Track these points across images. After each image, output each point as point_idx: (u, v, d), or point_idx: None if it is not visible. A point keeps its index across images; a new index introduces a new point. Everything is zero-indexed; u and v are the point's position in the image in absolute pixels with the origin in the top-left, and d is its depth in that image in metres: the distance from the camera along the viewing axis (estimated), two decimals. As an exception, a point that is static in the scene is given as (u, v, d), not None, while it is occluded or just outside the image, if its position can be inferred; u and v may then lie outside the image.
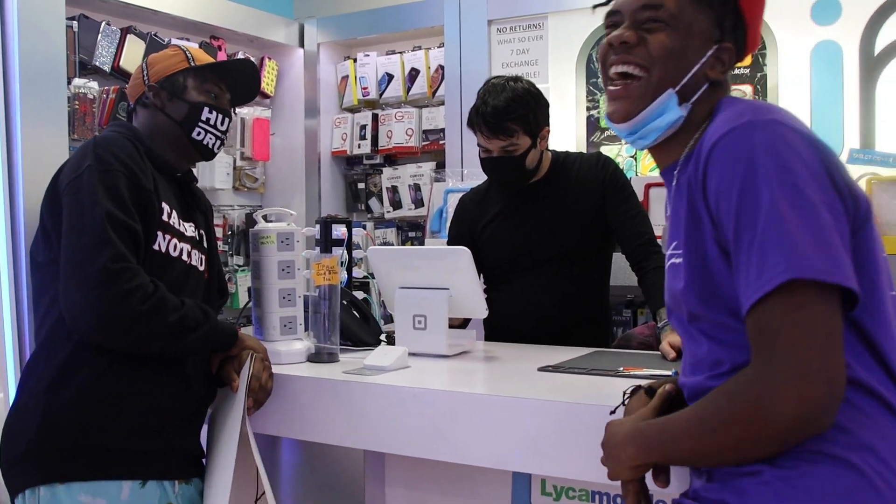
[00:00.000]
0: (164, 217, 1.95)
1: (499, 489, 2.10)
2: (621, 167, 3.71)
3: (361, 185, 4.89)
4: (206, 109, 2.12)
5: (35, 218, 3.03)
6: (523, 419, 1.84)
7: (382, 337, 2.64)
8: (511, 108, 2.64)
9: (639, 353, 2.47)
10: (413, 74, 4.60)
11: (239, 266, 4.56)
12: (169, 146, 2.09)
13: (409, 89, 4.62)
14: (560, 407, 1.81)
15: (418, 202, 4.60)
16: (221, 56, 4.27)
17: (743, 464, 1.28)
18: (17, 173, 3.12)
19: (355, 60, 4.78)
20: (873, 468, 1.21)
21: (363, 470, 2.31)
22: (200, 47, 2.21)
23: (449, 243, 2.96)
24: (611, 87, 1.49)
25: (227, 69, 2.21)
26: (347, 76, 4.82)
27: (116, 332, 1.79)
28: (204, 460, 2.08)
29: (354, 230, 2.90)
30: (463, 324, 2.77)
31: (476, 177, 2.90)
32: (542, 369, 2.15)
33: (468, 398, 1.93)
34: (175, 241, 1.96)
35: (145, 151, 1.98)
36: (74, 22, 3.59)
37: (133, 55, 3.83)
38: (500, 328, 2.79)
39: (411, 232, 4.73)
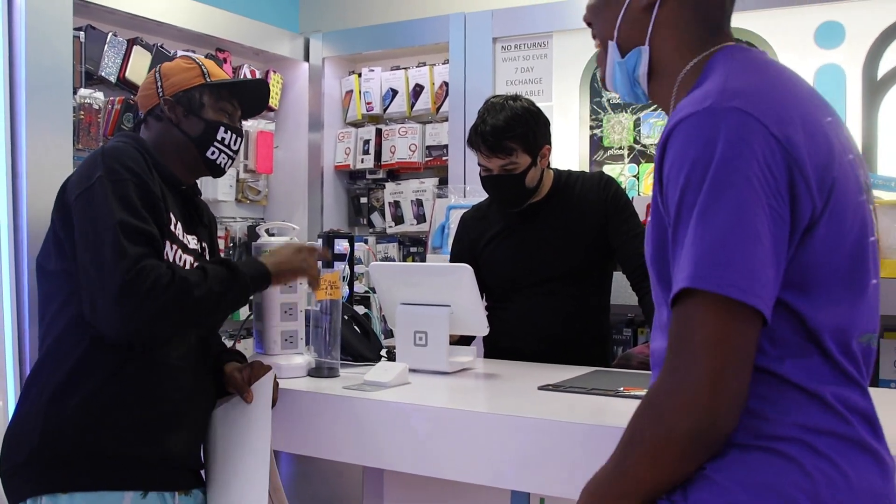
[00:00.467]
0: (171, 227, 1.95)
1: (498, 501, 2.10)
2: (623, 186, 3.74)
3: (364, 200, 4.90)
4: (223, 129, 2.12)
5: (38, 226, 3.07)
6: (523, 437, 1.84)
7: (383, 352, 2.64)
8: (510, 127, 2.65)
9: (639, 374, 2.47)
10: (417, 90, 4.61)
11: (240, 278, 4.55)
12: (179, 160, 2.09)
13: (413, 105, 4.63)
14: (560, 426, 1.81)
15: (420, 218, 4.61)
16: (227, 68, 4.29)
17: (674, 484, 1.24)
18: (22, 182, 3.13)
19: (360, 75, 4.80)
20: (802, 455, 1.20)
21: (362, 486, 2.31)
22: (218, 64, 2.21)
23: (451, 261, 2.96)
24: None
25: (242, 88, 2.22)
26: (352, 91, 4.83)
27: (151, 332, 1.83)
28: (203, 472, 2.07)
29: (356, 245, 2.90)
30: (464, 341, 2.77)
31: (478, 193, 2.90)
32: (542, 388, 2.16)
33: (468, 415, 1.93)
34: (180, 251, 1.97)
35: (152, 163, 1.98)
36: (81, 32, 3.60)
37: (139, 66, 3.84)
38: (500, 346, 2.79)
39: (413, 247, 4.74)
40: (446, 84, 4.41)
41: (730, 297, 1.14)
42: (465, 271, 2.36)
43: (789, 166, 1.19)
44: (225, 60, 4.33)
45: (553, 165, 2.93)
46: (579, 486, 1.76)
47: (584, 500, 1.35)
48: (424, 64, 4.61)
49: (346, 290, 2.80)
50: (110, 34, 3.75)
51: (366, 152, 4.76)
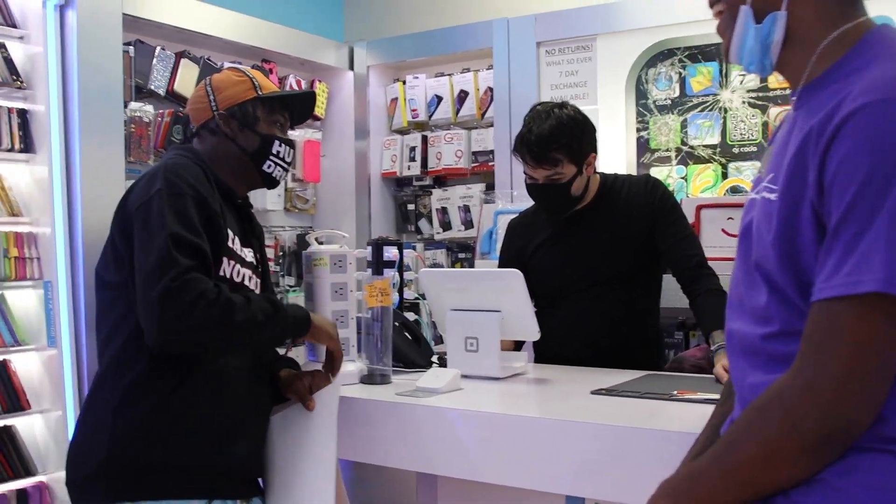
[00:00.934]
0: (230, 243, 1.97)
1: (552, 507, 2.10)
2: (672, 189, 3.72)
3: (411, 207, 4.92)
4: (277, 143, 2.14)
5: (93, 237, 3.12)
6: (576, 442, 1.83)
7: (434, 359, 2.64)
8: (555, 137, 2.63)
9: (692, 377, 2.45)
10: (462, 96, 4.62)
11: (290, 287, 4.60)
12: (235, 173, 2.11)
13: (458, 111, 4.64)
14: (614, 431, 1.80)
15: (468, 223, 4.61)
16: (273, 79, 4.33)
17: (777, 489, 1.19)
18: (76, 195, 3.18)
19: (404, 83, 4.82)
20: None
21: (416, 492, 2.32)
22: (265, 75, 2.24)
23: (499, 268, 2.96)
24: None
25: (293, 100, 2.23)
26: (397, 98, 4.85)
27: (189, 344, 1.84)
28: (260, 479, 2.09)
29: (405, 252, 2.91)
30: (515, 346, 2.77)
31: (525, 199, 2.89)
32: (594, 392, 2.15)
33: (521, 421, 1.93)
34: (238, 266, 1.99)
35: (212, 177, 2.00)
36: (131, 47, 3.66)
37: (187, 79, 3.90)
38: (549, 352, 2.78)
39: (461, 253, 4.74)
40: (491, 89, 4.41)
41: None
42: (516, 276, 2.36)
43: None
44: (271, 71, 4.37)
45: (600, 169, 2.91)
46: (634, 491, 1.76)
47: (664, 500, 1.30)
48: (469, 70, 4.61)
49: (396, 296, 2.81)
50: (158, 48, 3.81)
51: (412, 159, 4.78)
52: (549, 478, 1.88)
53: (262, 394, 2.07)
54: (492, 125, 4.41)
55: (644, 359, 2.75)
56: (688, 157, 3.82)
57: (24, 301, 3.25)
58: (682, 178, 3.82)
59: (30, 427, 3.23)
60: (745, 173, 3.66)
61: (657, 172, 3.83)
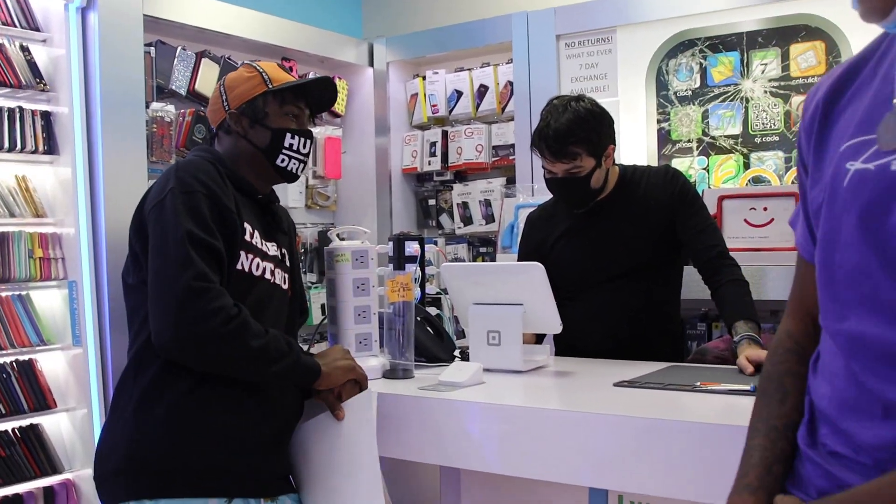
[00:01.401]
0: (247, 237, 1.97)
1: (576, 499, 2.10)
2: (693, 180, 3.70)
3: (432, 202, 4.92)
4: (289, 135, 2.12)
5: (116, 238, 3.15)
6: (600, 435, 1.83)
7: (456, 353, 2.65)
8: (573, 131, 2.61)
9: (715, 368, 2.44)
10: (482, 91, 4.62)
11: (312, 283, 4.62)
12: (253, 171, 2.11)
13: (478, 105, 4.64)
14: (637, 422, 1.80)
15: (489, 218, 4.61)
16: (293, 75, 4.34)
17: None
18: (99, 195, 3.21)
19: (424, 78, 4.82)
20: None
21: (439, 485, 2.32)
22: (280, 67, 2.22)
23: (519, 261, 2.96)
24: None
25: (305, 89, 2.20)
26: (417, 94, 4.86)
27: (195, 352, 1.82)
28: (290, 477, 2.09)
29: (427, 247, 2.92)
30: (536, 339, 2.77)
31: (546, 192, 2.89)
32: (617, 384, 2.14)
33: (544, 414, 1.93)
34: (258, 259, 1.99)
35: (227, 174, 2.00)
36: (152, 48, 3.69)
37: (208, 78, 3.92)
38: (570, 344, 2.77)
39: (482, 247, 4.75)
40: (511, 83, 4.41)
41: None
42: (537, 269, 2.36)
43: None
44: (291, 69, 4.39)
45: (621, 160, 2.90)
46: (658, 483, 1.76)
47: None
48: (488, 64, 4.61)
49: (417, 291, 2.81)
50: (179, 48, 3.84)
51: (432, 154, 4.78)
52: (573, 470, 1.87)
53: (289, 394, 2.06)
54: (512, 119, 4.41)
55: (666, 350, 2.74)
56: (709, 147, 3.80)
57: (49, 301, 3.28)
58: (704, 168, 3.80)
59: (56, 425, 3.26)
60: (767, 163, 3.64)
61: (679, 163, 3.81)
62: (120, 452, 1.87)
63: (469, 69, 4.68)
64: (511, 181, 4.40)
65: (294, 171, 2.16)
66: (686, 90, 3.86)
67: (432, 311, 2.83)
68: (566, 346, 2.80)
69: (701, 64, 3.82)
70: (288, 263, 2.14)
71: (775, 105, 3.65)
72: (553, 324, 2.40)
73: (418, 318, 2.51)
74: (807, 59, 3.57)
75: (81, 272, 3.20)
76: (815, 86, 1.31)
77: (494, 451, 1.97)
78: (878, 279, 1.08)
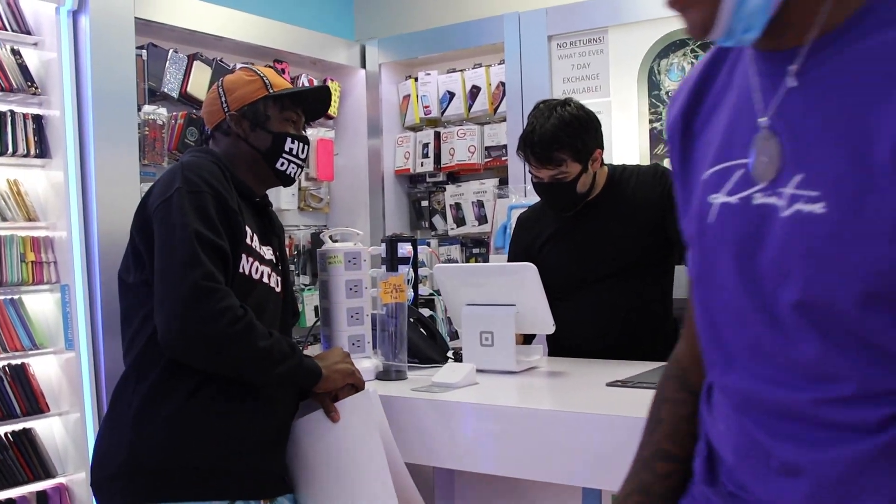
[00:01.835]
0: (248, 240, 1.97)
1: (569, 496, 2.10)
2: (685, 179, 3.70)
3: (425, 203, 4.92)
4: (290, 140, 2.14)
5: (109, 240, 3.15)
6: (593, 434, 1.83)
7: (449, 354, 2.65)
8: (558, 138, 2.61)
9: (708, 367, 2.45)
10: (474, 92, 4.62)
11: (305, 285, 4.61)
12: (251, 173, 2.11)
13: (470, 106, 4.64)
14: (630, 422, 1.80)
15: (482, 219, 4.61)
16: (285, 79, 4.34)
17: None
18: (91, 198, 3.21)
19: (416, 79, 4.82)
20: None
21: (433, 486, 2.32)
22: (277, 72, 2.24)
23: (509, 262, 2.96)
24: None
25: (305, 96, 2.22)
26: (409, 95, 4.85)
27: (203, 351, 1.82)
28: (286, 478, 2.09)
29: (419, 248, 2.92)
30: (525, 340, 2.77)
31: (539, 192, 2.89)
32: (610, 384, 2.15)
33: (537, 414, 1.93)
34: (257, 263, 1.99)
35: (229, 176, 2.01)
36: (143, 51, 3.68)
37: (200, 81, 3.91)
38: (563, 345, 2.78)
39: (475, 248, 4.74)
40: (503, 84, 4.41)
41: None
42: (530, 270, 2.36)
43: None
44: (283, 71, 4.38)
45: (614, 160, 2.90)
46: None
47: None
48: (480, 65, 4.61)
49: (410, 293, 2.82)
50: (171, 51, 3.83)
51: (425, 156, 4.78)
52: (566, 470, 1.88)
53: (287, 396, 2.07)
54: (504, 120, 4.41)
55: (658, 350, 2.73)
56: (701, 147, 3.80)
57: (41, 305, 3.27)
58: (696, 168, 3.81)
59: (49, 429, 3.26)
60: (760, 162, 3.64)
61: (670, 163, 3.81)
62: (120, 457, 1.86)
63: (461, 70, 4.68)
64: (504, 182, 4.40)
65: (293, 174, 2.19)
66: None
67: (425, 312, 2.84)
68: (558, 346, 2.80)
69: (692, 63, 3.83)
70: (280, 266, 2.14)
71: (767, 104, 3.65)
72: (546, 324, 2.41)
73: (411, 320, 2.52)
74: (798, 58, 3.58)
75: (74, 276, 3.19)
76: (672, 97, 1.19)
77: (488, 451, 1.97)
78: (757, 328, 0.98)
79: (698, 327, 1.11)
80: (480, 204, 4.62)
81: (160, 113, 3.73)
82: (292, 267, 4.55)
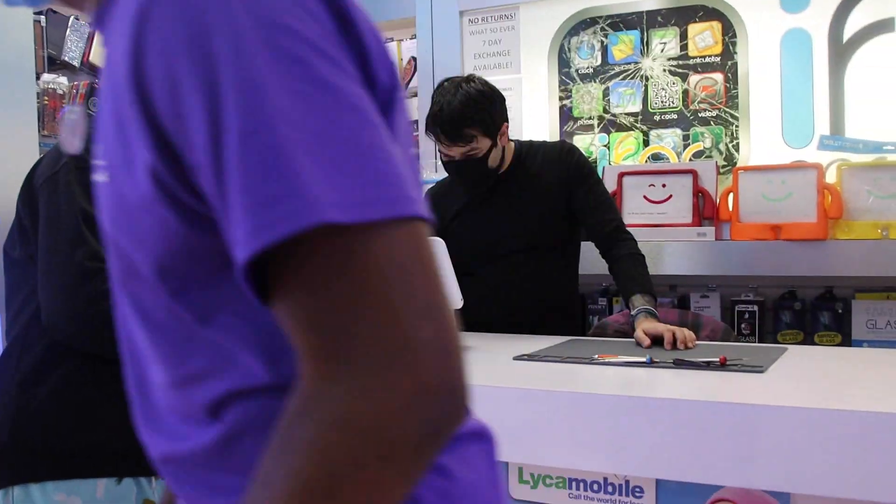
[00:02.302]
0: None
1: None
2: (594, 157, 3.75)
3: (335, 178, 4.88)
4: None
5: (4, 214, 3.03)
6: (500, 407, 1.84)
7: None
8: (467, 114, 2.61)
9: (614, 341, 2.49)
10: (385, 66, 4.59)
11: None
12: None
13: (381, 81, 4.61)
14: (536, 395, 1.82)
15: (393, 194, 4.59)
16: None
17: None
18: (-13, 170, 3.09)
19: (327, 53, 4.76)
20: None
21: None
22: None
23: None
24: None
25: None
26: (320, 69, 4.80)
27: (88, 333, 1.76)
28: None
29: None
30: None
31: (450, 168, 2.89)
32: (517, 358, 2.16)
33: (444, 388, 1.93)
34: None
35: None
36: (42, 17, 3.56)
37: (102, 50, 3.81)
38: (471, 320, 2.78)
39: (386, 224, 4.73)
40: (414, 59, 4.39)
41: (412, 215, 0.71)
42: (437, 244, 2.35)
43: (346, 20, 0.71)
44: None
45: (524, 137, 2.91)
46: (558, 454, 1.78)
47: None
48: (392, 39, 4.58)
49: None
50: (72, 18, 3.71)
51: (336, 130, 4.74)
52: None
53: None
54: (416, 95, 4.39)
55: (566, 324, 2.78)
56: (610, 124, 3.85)
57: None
58: (605, 145, 3.85)
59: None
60: (666, 140, 3.70)
61: (580, 140, 3.85)
62: (3, 437, 1.81)
63: (373, 44, 4.64)
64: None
65: None
66: (587, 68, 3.90)
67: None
68: (467, 320, 2.80)
69: (602, 42, 3.86)
70: None
71: (674, 83, 3.71)
72: (453, 299, 2.40)
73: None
74: (704, 38, 3.64)
75: (-32, 249, 3.08)
76: None
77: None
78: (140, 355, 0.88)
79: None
80: (391, 179, 4.60)
81: (61, 82, 3.62)
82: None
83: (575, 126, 3.91)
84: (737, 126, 3.59)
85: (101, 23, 0.83)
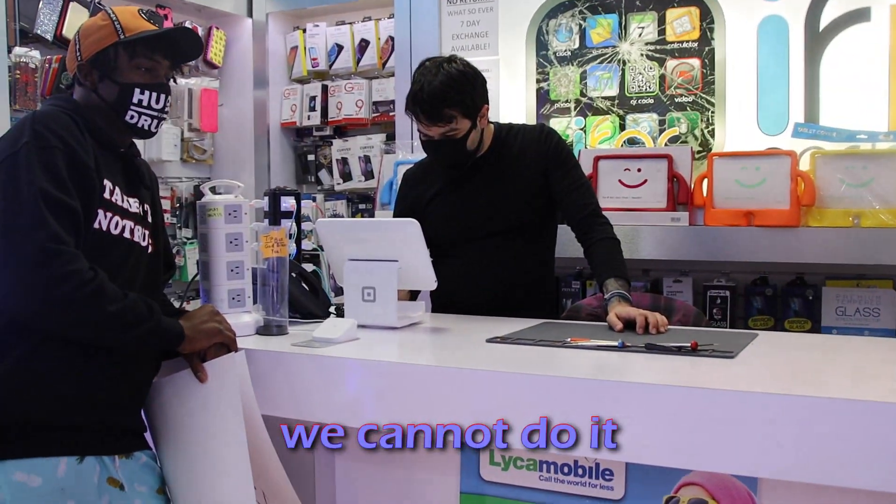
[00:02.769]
0: (107, 194, 1.89)
1: (448, 459, 2.12)
2: (571, 140, 3.75)
3: (311, 157, 4.86)
4: (138, 91, 1.99)
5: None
6: (472, 390, 1.85)
7: (332, 309, 2.63)
8: (447, 95, 2.60)
9: (587, 325, 2.50)
10: (363, 45, 4.57)
11: (188, 239, 4.52)
12: (106, 125, 2.00)
13: (358, 60, 4.59)
14: (508, 378, 1.82)
15: (368, 174, 4.59)
16: (168, 25, 4.21)
17: None
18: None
19: (304, 31, 4.74)
20: None
21: (312, 442, 2.31)
22: (141, 12, 2.10)
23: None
24: None
25: (159, 38, 2.04)
26: (297, 47, 4.77)
27: (48, 316, 1.75)
28: (147, 434, 2.05)
29: (304, 202, 2.88)
30: (412, 296, 2.77)
31: (426, 149, 2.88)
32: (490, 340, 2.17)
33: (417, 369, 1.94)
34: (117, 218, 1.91)
35: (86, 126, 1.91)
36: (15, -11, 3.51)
37: (76, 23, 3.74)
38: (446, 302, 2.79)
39: (361, 204, 4.72)
40: (392, 39, 4.37)
41: None
42: (412, 226, 2.35)
43: None
44: (166, 17, 4.24)
45: (500, 119, 2.91)
46: (528, 437, 1.79)
47: None
48: (370, 18, 4.57)
49: (293, 247, 2.78)
50: (45, -10, 3.66)
51: (312, 109, 4.72)
52: (446, 425, 1.89)
53: (143, 353, 2.00)
54: (393, 75, 4.38)
55: (540, 307, 2.78)
56: (587, 108, 3.85)
57: None
58: (581, 129, 3.86)
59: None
60: (642, 125, 3.71)
61: (557, 123, 3.85)
62: None
63: (350, 23, 4.62)
64: (391, 138, 4.38)
65: (147, 127, 2.03)
66: (565, 51, 3.89)
67: (308, 267, 2.81)
68: (442, 302, 2.81)
69: (580, 25, 3.86)
70: (150, 219, 2.06)
71: (651, 68, 3.72)
72: (428, 280, 2.41)
73: (293, 275, 2.49)
74: (682, 24, 3.65)
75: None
76: None
77: (368, 406, 1.97)
78: None
79: None
80: (367, 159, 4.59)
81: (32, 56, 3.58)
82: (174, 220, 4.44)
83: (552, 109, 3.91)
84: (713, 112, 3.60)
85: None
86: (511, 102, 3.93)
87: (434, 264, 2.41)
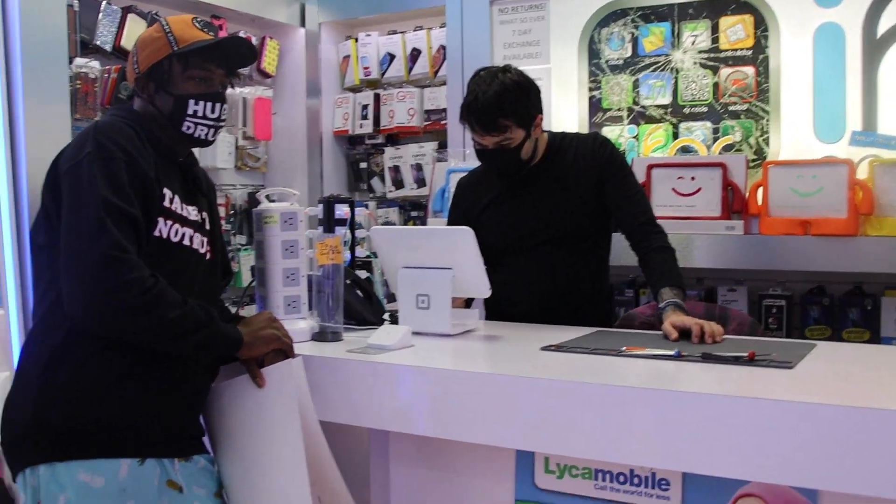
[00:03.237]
0: (166, 203, 1.92)
1: (502, 467, 2.12)
2: (623, 148, 3.74)
3: (363, 165, 4.89)
4: (192, 102, 2.03)
5: (38, 197, 3.06)
6: (527, 398, 1.85)
7: (386, 316, 2.65)
8: (502, 104, 2.60)
9: (641, 333, 2.48)
10: (415, 54, 4.59)
11: (242, 245, 4.57)
12: (165, 135, 2.03)
13: (410, 69, 4.61)
14: (563, 386, 1.82)
15: (420, 182, 4.60)
16: (222, 35, 4.26)
17: None
18: (21, 155, 3.11)
19: (357, 40, 4.77)
20: None
21: (368, 448, 2.33)
22: (195, 21, 2.11)
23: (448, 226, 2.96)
24: None
25: (212, 48, 2.07)
26: (349, 56, 4.81)
27: (109, 323, 1.78)
28: (205, 438, 2.08)
29: (357, 210, 2.90)
30: (466, 304, 2.78)
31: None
32: (544, 349, 2.17)
33: (472, 377, 1.94)
34: (177, 226, 1.94)
35: (146, 136, 1.95)
36: (75, 1, 3.58)
37: (134, 34, 3.81)
38: (500, 309, 2.79)
39: (413, 211, 4.74)
40: (443, 48, 4.38)
41: None
42: (466, 234, 2.36)
43: None
44: (221, 27, 4.30)
45: (552, 128, 2.91)
46: (583, 445, 1.79)
47: None
48: (421, 28, 4.58)
49: (347, 254, 2.80)
50: (104, 2, 3.73)
51: (364, 117, 4.75)
52: (500, 433, 1.89)
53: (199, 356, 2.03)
54: (444, 83, 4.39)
55: (594, 316, 2.77)
56: (639, 116, 3.84)
57: (-32, 260, 3.19)
58: (634, 137, 3.84)
59: (-24, 388, 3.19)
60: (696, 133, 3.69)
61: (609, 132, 3.84)
62: (27, 416, 1.83)
63: (402, 32, 4.64)
64: (443, 146, 4.39)
65: (203, 137, 2.07)
66: (617, 59, 3.88)
67: (362, 274, 2.83)
68: (496, 310, 2.81)
69: (632, 34, 3.84)
70: (208, 227, 2.10)
71: (704, 76, 3.69)
72: (482, 288, 2.42)
73: (347, 281, 2.51)
74: (736, 32, 3.62)
75: (3, 232, 3.11)
76: None
77: (422, 413, 1.98)
78: None
79: None
80: (419, 167, 4.61)
81: (93, 66, 3.65)
82: (228, 227, 4.49)
83: (604, 117, 3.90)
84: (767, 120, 3.57)
85: None
86: (563, 111, 3.93)
87: (488, 272, 2.41)
